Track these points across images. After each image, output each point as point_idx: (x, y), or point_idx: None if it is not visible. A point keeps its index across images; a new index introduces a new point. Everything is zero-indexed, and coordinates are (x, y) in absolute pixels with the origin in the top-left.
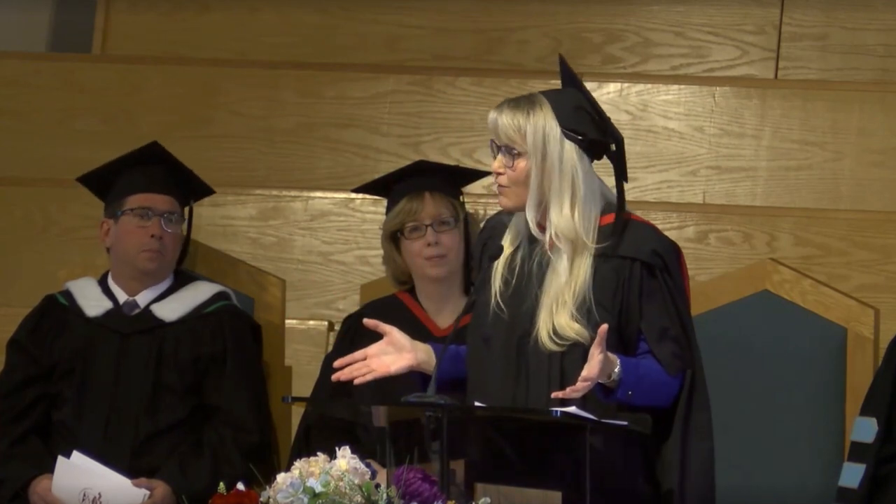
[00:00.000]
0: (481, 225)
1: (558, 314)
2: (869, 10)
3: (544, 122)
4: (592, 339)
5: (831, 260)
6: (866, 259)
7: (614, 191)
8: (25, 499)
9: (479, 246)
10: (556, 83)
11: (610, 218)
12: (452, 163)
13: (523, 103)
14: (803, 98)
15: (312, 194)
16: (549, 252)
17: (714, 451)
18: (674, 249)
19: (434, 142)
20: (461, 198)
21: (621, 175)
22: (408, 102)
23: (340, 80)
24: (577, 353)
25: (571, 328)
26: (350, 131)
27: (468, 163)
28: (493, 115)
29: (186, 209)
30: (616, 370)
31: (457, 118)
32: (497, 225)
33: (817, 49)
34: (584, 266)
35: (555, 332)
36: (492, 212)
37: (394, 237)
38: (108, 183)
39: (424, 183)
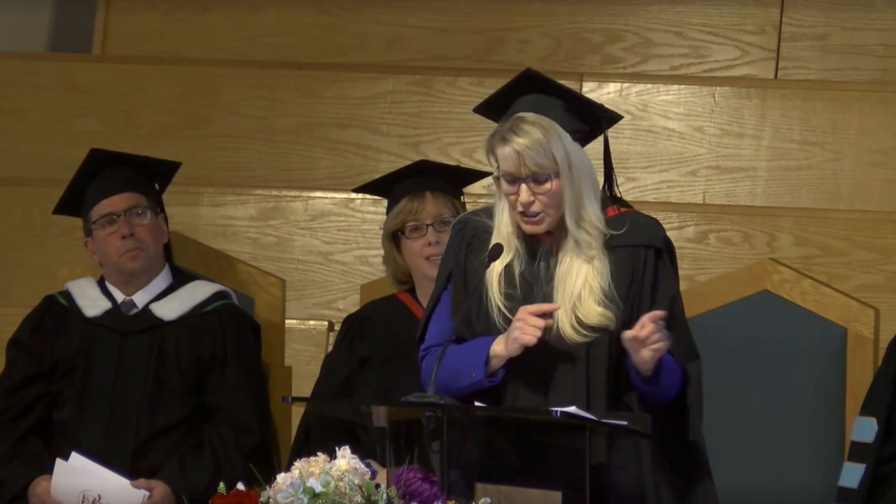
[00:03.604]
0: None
1: (582, 304)
2: (869, 10)
3: (560, 136)
4: (618, 326)
5: (831, 260)
6: (866, 259)
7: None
8: (25, 501)
9: (461, 248)
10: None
11: (611, 211)
12: (453, 163)
13: (528, 127)
14: (803, 98)
15: (312, 194)
16: (555, 253)
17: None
18: (672, 243)
19: (434, 142)
20: (461, 198)
21: (608, 152)
22: (408, 102)
23: (340, 80)
24: (603, 344)
25: (598, 313)
26: (350, 131)
27: (468, 163)
28: (506, 148)
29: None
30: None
31: (457, 118)
32: (479, 228)
33: (817, 49)
34: (604, 257)
35: (579, 322)
36: None
37: (394, 237)
38: (79, 205)
39: (425, 182)
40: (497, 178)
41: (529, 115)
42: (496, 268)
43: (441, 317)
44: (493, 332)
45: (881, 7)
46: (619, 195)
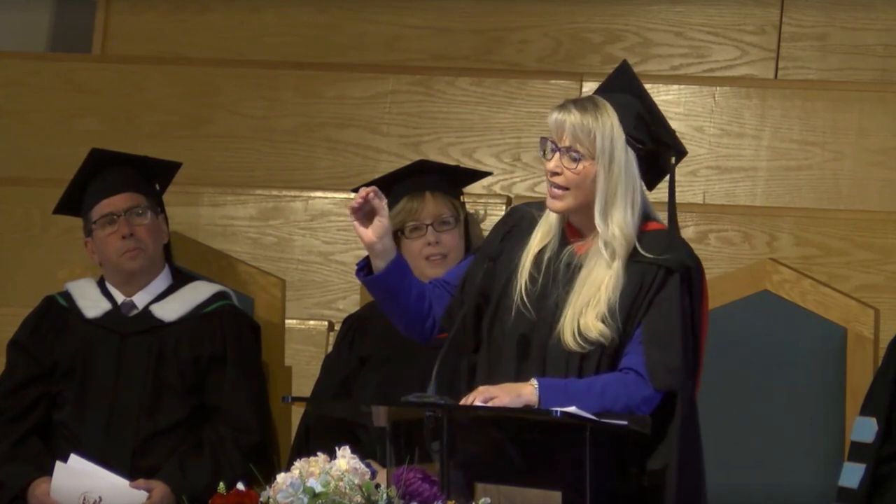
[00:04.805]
0: (479, 218)
1: (586, 315)
2: (869, 10)
3: (612, 127)
4: (615, 342)
5: (831, 260)
6: (866, 259)
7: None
8: (24, 501)
9: (501, 230)
10: (557, 83)
11: (646, 226)
12: (452, 163)
13: (590, 106)
14: (803, 98)
15: (312, 194)
16: (579, 254)
17: (704, 477)
18: (700, 268)
19: (434, 142)
20: (461, 198)
21: (673, 188)
22: (408, 102)
23: (340, 80)
24: (595, 356)
25: (596, 328)
26: (350, 131)
27: (468, 163)
28: (557, 115)
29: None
30: (535, 394)
31: (457, 118)
32: (526, 216)
33: (817, 49)
34: (620, 269)
35: (579, 332)
36: (492, 212)
37: (394, 237)
38: (79, 205)
39: (425, 182)
40: (543, 149)
41: (599, 99)
42: (532, 249)
43: (451, 272)
44: (505, 314)
45: (881, 7)
46: (673, 226)
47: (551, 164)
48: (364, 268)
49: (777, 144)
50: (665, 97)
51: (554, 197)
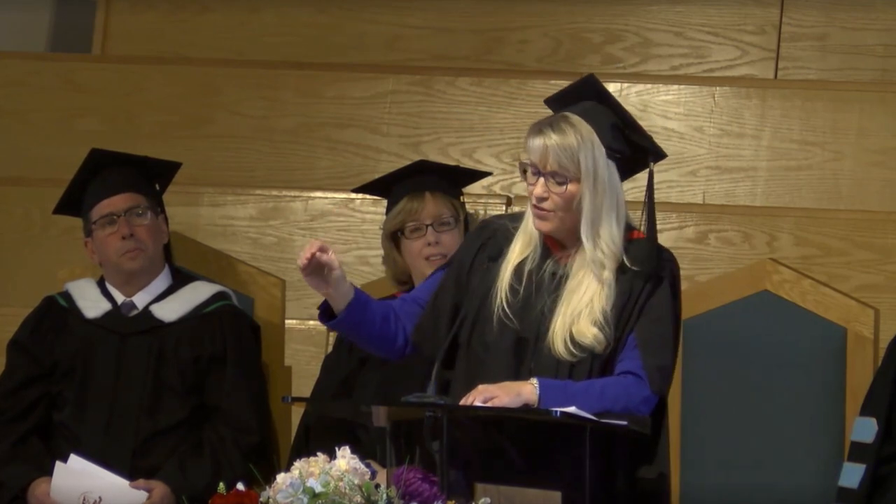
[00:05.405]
0: (479, 218)
1: (579, 322)
2: (869, 10)
3: (593, 146)
4: (608, 349)
5: (831, 260)
6: (866, 259)
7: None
8: (25, 501)
9: (474, 243)
10: (557, 83)
11: (631, 235)
12: (452, 163)
13: (567, 128)
14: (803, 98)
15: (312, 194)
16: (564, 264)
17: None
18: (679, 275)
19: (434, 142)
20: (461, 198)
21: (652, 190)
22: (408, 102)
23: (340, 80)
24: (586, 365)
25: (591, 333)
26: (350, 131)
27: (468, 163)
28: (537, 140)
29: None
30: (535, 393)
31: (457, 118)
32: (500, 229)
33: (817, 49)
34: (611, 281)
35: (572, 339)
36: (492, 212)
37: (394, 237)
38: (79, 205)
39: (425, 182)
40: (524, 171)
41: (573, 117)
42: (511, 260)
43: (420, 287)
44: (486, 326)
45: (881, 7)
46: (653, 234)
47: (537, 190)
48: (326, 309)
49: (777, 144)
50: (665, 97)
51: (541, 219)
